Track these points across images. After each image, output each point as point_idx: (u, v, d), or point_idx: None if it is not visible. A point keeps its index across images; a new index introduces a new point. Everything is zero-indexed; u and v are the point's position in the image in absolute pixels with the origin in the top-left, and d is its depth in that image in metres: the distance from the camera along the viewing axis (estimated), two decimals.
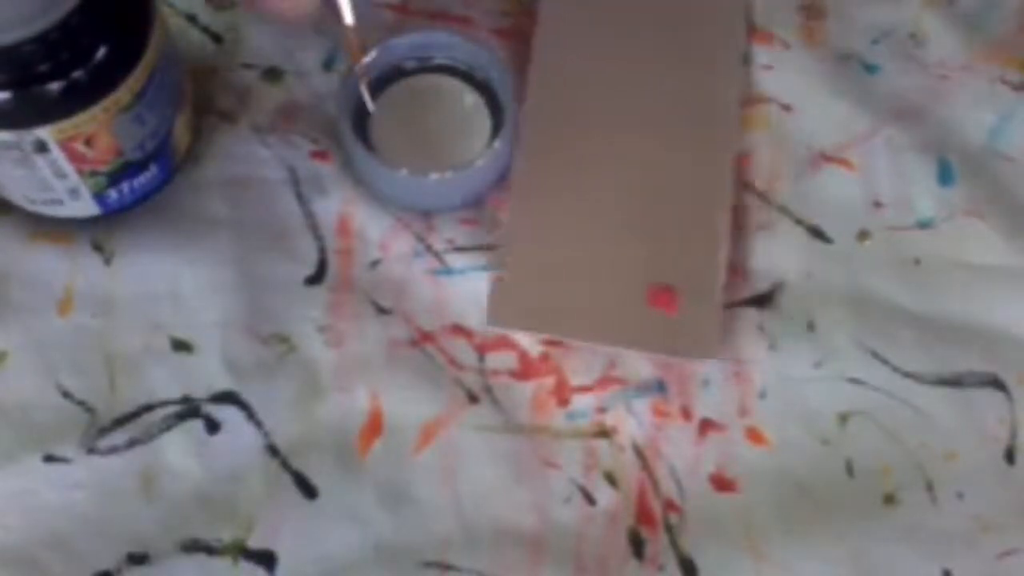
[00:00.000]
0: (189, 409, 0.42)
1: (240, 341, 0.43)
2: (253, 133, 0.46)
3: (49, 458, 0.41)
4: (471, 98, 0.46)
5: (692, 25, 0.48)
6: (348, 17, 0.42)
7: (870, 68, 0.48)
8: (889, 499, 0.42)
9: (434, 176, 0.43)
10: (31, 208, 0.42)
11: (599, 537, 0.41)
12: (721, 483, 0.42)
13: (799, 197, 0.46)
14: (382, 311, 0.44)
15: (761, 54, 0.48)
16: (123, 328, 0.43)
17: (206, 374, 0.43)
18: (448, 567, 0.41)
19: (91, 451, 0.41)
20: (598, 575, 0.41)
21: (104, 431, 0.42)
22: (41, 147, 0.38)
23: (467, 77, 0.46)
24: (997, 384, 0.43)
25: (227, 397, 0.42)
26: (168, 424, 0.42)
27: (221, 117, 0.46)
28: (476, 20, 0.49)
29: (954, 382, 0.43)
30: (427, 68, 0.47)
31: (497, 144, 0.44)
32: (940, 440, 0.43)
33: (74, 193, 0.41)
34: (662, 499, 0.42)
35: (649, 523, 0.42)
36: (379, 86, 0.46)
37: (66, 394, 0.42)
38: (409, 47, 0.46)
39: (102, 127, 0.38)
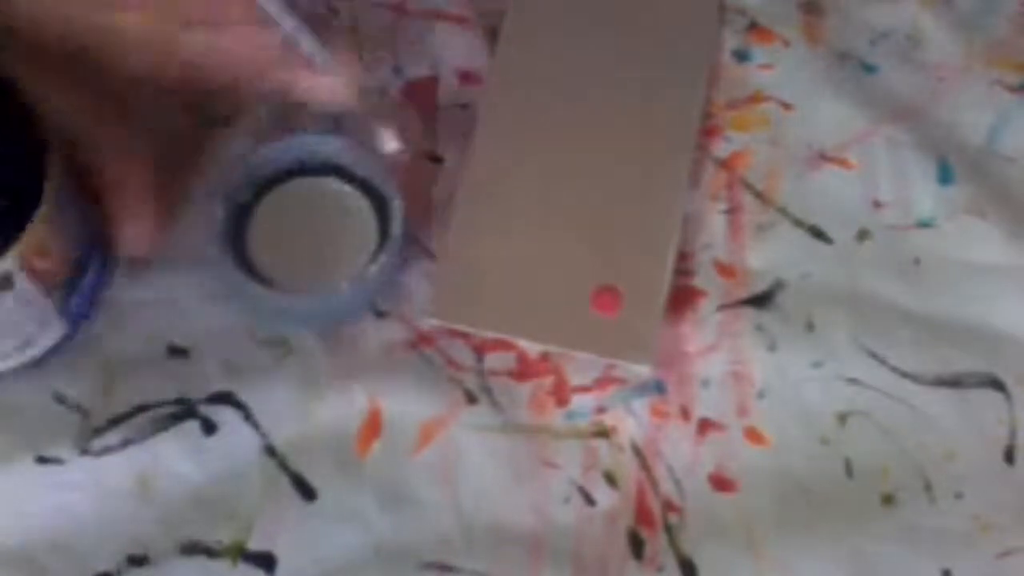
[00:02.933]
0: (185, 410, 0.42)
1: (238, 342, 0.43)
2: (251, 138, 0.46)
3: (42, 459, 0.41)
4: (356, 204, 0.43)
5: (662, 33, 0.48)
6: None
7: (869, 68, 0.48)
8: (888, 499, 0.42)
9: (291, 298, 0.41)
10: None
11: (598, 537, 0.41)
12: (720, 483, 0.42)
13: (799, 197, 0.46)
14: (380, 313, 0.44)
15: (761, 52, 0.48)
16: (121, 330, 0.43)
17: (203, 375, 0.42)
18: (448, 567, 0.41)
19: (84, 452, 0.41)
20: (597, 575, 0.41)
21: (98, 431, 0.41)
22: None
23: (359, 182, 0.44)
24: (996, 384, 0.43)
25: (224, 398, 0.42)
26: (164, 425, 0.42)
27: (219, 123, 0.46)
28: (473, 20, 0.48)
29: (953, 382, 0.43)
30: (313, 171, 0.44)
31: (372, 269, 0.42)
32: (939, 440, 0.43)
33: (43, 323, 0.39)
34: (661, 499, 0.42)
35: (648, 523, 0.42)
36: (263, 189, 0.43)
37: (60, 396, 0.42)
38: (297, 149, 0.43)
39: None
